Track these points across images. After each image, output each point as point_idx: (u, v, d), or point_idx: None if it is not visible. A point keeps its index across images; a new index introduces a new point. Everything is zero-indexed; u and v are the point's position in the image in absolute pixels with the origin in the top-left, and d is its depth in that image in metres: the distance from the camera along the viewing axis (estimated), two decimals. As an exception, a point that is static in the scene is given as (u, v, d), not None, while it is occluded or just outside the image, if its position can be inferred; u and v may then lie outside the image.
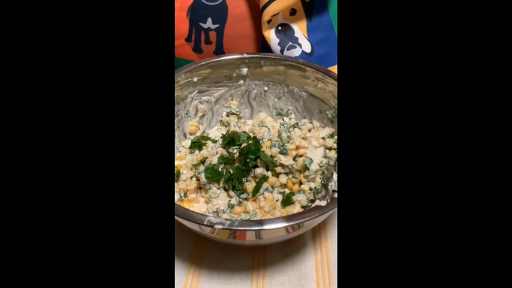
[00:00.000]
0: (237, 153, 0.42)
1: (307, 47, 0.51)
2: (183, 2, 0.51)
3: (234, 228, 0.30)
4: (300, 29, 0.51)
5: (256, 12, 0.51)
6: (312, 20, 0.52)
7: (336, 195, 0.32)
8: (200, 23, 0.51)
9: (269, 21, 0.49)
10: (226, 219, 0.30)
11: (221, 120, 0.50)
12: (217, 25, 0.51)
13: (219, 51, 0.53)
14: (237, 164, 0.41)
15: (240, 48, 0.53)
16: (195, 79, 0.46)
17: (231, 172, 0.40)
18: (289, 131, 0.45)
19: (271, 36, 0.50)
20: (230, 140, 0.44)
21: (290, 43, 0.50)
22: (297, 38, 0.51)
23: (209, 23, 0.51)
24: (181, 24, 0.52)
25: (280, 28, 0.50)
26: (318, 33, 0.52)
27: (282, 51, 0.50)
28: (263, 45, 0.52)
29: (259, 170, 0.40)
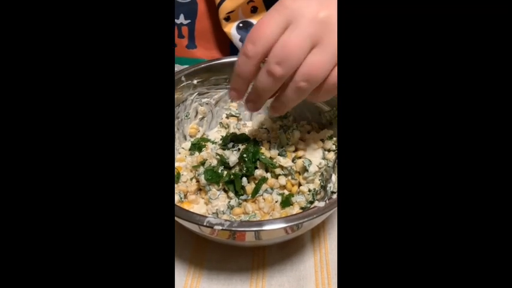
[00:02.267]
0: (236, 158, 0.42)
1: None
2: None
3: (233, 229, 0.30)
4: None
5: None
6: None
7: (334, 197, 0.32)
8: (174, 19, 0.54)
9: (227, 19, 0.51)
10: (226, 220, 0.30)
11: (221, 122, 0.51)
12: (189, 20, 0.55)
13: (191, 44, 0.57)
14: (236, 170, 0.41)
15: (210, 41, 0.57)
16: (195, 81, 0.46)
17: (231, 175, 0.41)
18: (288, 133, 0.45)
19: (232, 32, 0.52)
20: (228, 141, 0.44)
21: None
22: None
23: (181, 19, 0.55)
24: None
25: (241, 25, 0.52)
26: None
27: None
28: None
29: (259, 172, 0.41)
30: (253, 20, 0.53)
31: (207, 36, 0.56)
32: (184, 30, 0.56)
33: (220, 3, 0.51)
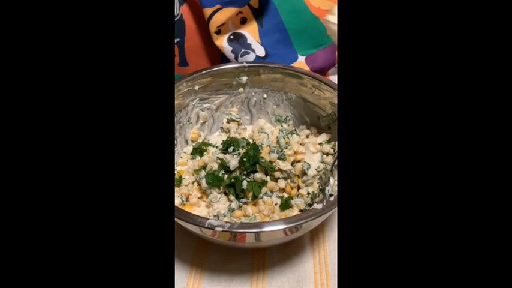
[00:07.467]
0: (236, 162, 0.43)
1: (260, 51, 0.54)
2: None
3: (234, 230, 0.31)
4: (252, 36, 0.54)
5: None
6: (263, 25, 0.55)
7: (332, 199, 0.33)
8: None
9: (218, 32, 0.52)
10: (227, 222, 0.31)
11: (222, 127, 0.52)
12: (178, 39, 0.55)
13: (183, 62, 0.57)
14: (237, 174, 0.42)
15: (202, 57, 0.57)
16: (196, 87, 0.47)
17: (231, 178, 0.41)
18: (287, 137, 0.46)
19: (224, 45, 0.53)
20: (228, 146, 0.45)
21: (243, 50, 0.53)
22: (250, 44, 0.54)
23: None
24: None
25: (232, 37, 0.53)
26: (271, 37, 0.55)
27: (236, 58, 0.53)
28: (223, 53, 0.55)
29: (259, 175, 0.41)
30: (243, 31, 0.54)
31: (198, 52, 0.57)
32: (175, 49, 0.56)
33: (210, 17, 0.52)
